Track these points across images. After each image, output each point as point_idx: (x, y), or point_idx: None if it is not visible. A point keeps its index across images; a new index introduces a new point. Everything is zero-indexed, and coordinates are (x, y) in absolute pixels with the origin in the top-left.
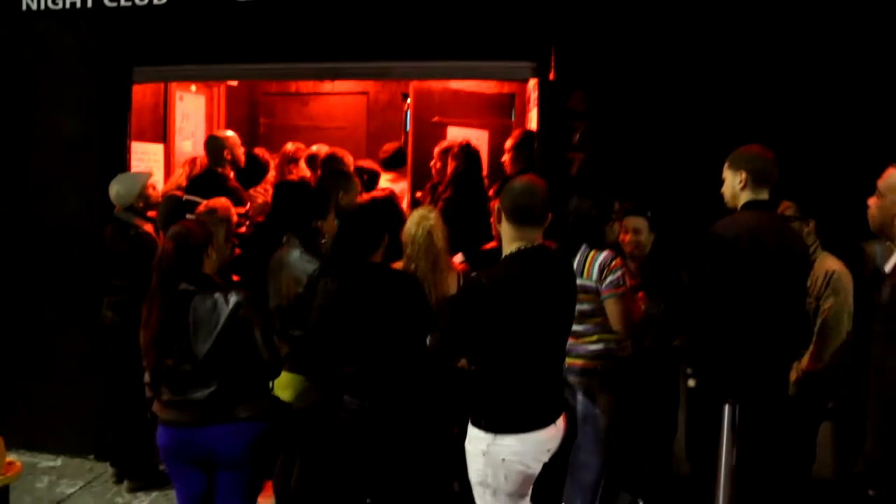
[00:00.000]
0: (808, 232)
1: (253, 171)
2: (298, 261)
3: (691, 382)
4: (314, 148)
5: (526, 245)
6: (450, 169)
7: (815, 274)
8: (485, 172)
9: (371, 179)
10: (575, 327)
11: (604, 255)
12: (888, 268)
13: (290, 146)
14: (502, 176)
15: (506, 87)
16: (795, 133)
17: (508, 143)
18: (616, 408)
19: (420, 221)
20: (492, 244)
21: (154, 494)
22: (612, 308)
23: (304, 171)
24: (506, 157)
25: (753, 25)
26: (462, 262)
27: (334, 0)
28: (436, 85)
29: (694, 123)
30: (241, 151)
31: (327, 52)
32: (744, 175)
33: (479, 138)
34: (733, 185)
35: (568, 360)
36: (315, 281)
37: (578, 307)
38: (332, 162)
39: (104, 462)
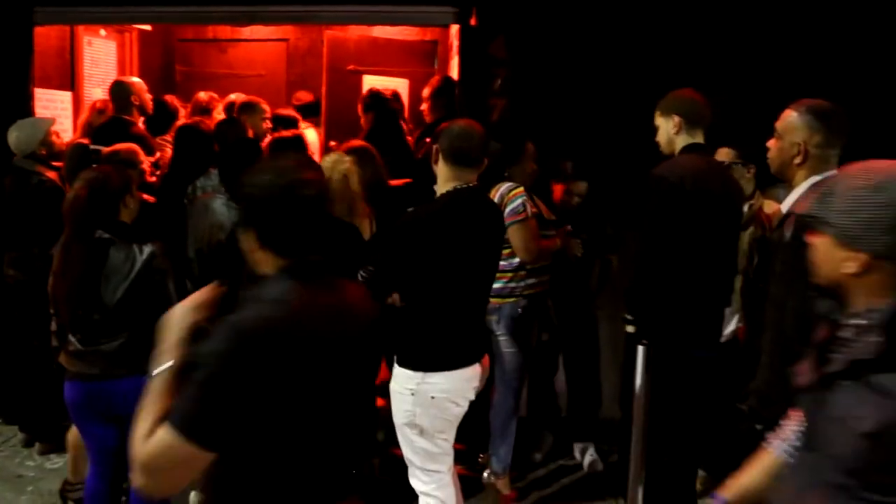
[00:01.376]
0: (748, 178)
1: (162, 119)
2: (222, 207)
3: (630, 328)
4: (232, 97)
5: (461, 185)
6: (363, 117)
7: (762, 214)
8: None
9: (290, 127)
10: None
11: (504, 185)
12: (785, 207)
13: (202, 95)
14: (423, 124)
15: (428, 35)
16: (729, 77)
17: (426, 91)
18: (524, 349)
19: (335, 165)
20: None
21: (67, 456)
22: (513, 235)
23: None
24: (424, 106)
25: None
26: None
27: None
28: (353, 33)
29: (616, 67)
30: (148, 98)
31: None
32: (677, 119)
33: (398, 87)
34: (667, 130)
35: None
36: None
37: None
38: (248, 109)
39: (12, 426)
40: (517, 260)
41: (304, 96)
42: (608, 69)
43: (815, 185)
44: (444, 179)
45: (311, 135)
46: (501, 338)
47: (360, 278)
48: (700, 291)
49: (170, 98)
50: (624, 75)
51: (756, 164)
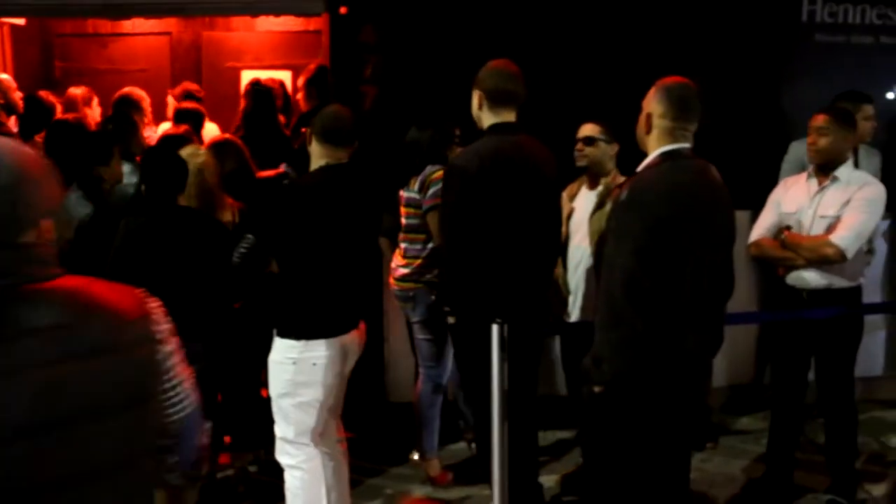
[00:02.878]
0: (611, 156)
1: (36, 117)
2: (72, 204)
3: (451, 319)
4: (75, 91)
5: (332, 162)
6: (241, 108)
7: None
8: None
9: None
10: (403, 244)
11: (428, 168)
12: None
13: (76, 90)
14: (299, 113)
15: (311, 25)
16: (598, 56)
17: (300, 81)
18: (439, 336)
19: (189, 159)
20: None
21: None
22: (431, 220)
23: (95, 116)
24: (299, 94)
25: None
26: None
27: None
28: (234, 27)
29: (484, 53)
30: (16, 95)
31: None
32: (479, 95)
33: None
34: (474, 106)
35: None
36: (85, 226)
37: (406, 221)
38: (125, 103)
39: None
40: (431, 245)
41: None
42: (476, 54)
43: (660, 154)
44: (317, 157)
45: (212, 129)
46: (416, 325)
47: (235, 259)
48: (513, 271)
49: (44, 94)
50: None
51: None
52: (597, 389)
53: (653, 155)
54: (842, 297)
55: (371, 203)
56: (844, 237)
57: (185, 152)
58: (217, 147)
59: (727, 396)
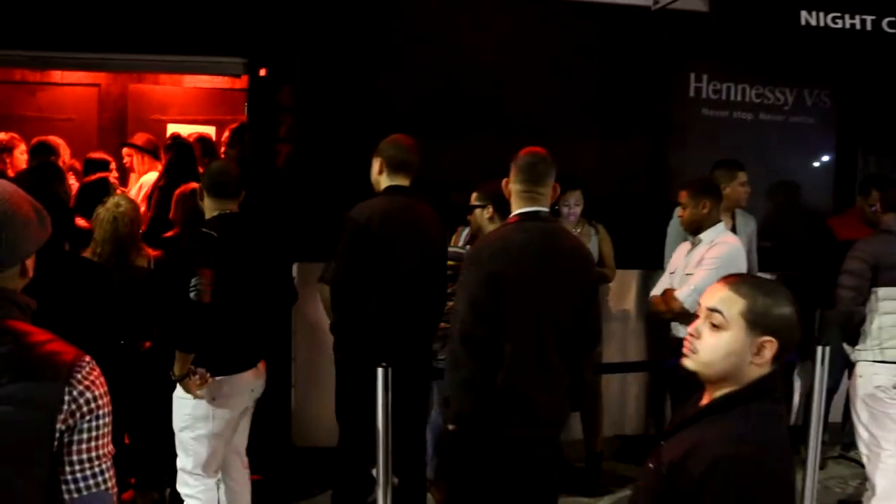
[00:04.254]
0: (488, 217)
1: None
2: None
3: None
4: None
5: (224, 212)
6: (163, 159)
7: None
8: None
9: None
10: None
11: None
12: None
13: (1, 135)
14: None
15: (237, 83)
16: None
17: (224, 137)
18: None
19: (110, 207)
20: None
21: None
22: None
23: (18, 162)
24: (222, 150)
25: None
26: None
27: None
28: (161, 81)
29: (396, 121)
30: None
31: (39, 41)
32: (380, 161)
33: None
34: (374, 171)
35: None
36: None
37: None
38: (40, 150)
39: None
40: None
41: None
42: (386, 119)
43: (515, 214)
44: (209, 210)
45: (151, 176)
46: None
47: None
48: (397, 318)
49: None
50: (403, 126)
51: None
52: (450, 427)
53: (511, 216)
54: None
55: (269, 249)
56: (684, 292)
57: (111, 200)
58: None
59: (619, 445)
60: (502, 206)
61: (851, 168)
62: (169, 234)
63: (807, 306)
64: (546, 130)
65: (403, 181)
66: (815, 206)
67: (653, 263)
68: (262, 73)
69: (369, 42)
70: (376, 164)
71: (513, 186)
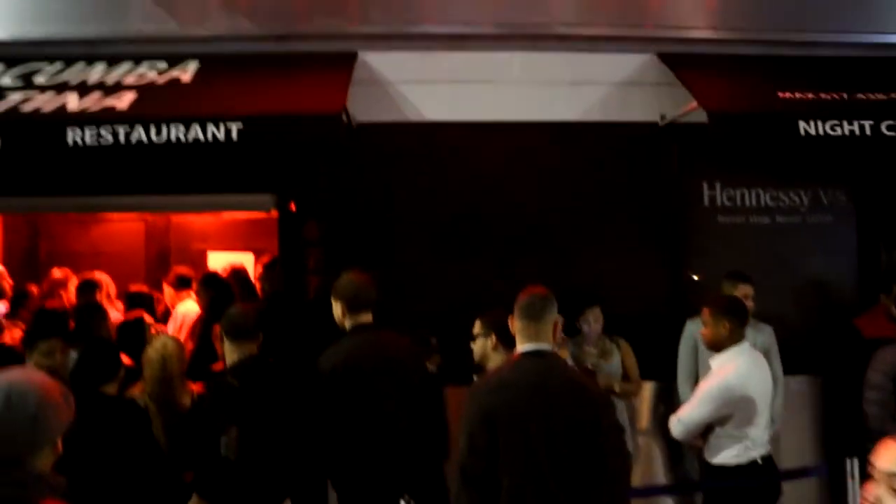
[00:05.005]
0: (492, 345)
1: (21, 302)
2: None
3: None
4: (56, 273)
5: (243, 356)
6: (197, 298)
7: None
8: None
9: (143, 302)
10: None
11: None
12: None
13: (57, 272)
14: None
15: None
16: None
17: (258, 271)
18: None
19: (159, 348)
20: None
21: None
22: None
23: (72, 296)
24: (257, 285)
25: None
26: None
27: (93, 148)
28: (203, 212)
29: (421, 248)
30: (6, 283)
31: (87, 187)
32: (340, 304)
33: (242, 261)
34: (337, 313)
35: None
36: None
37: None
38: (85, 288)
39: None
40: None
41: (182, 270)
42: (412, 246)
43: (519, 353)
44: (229, 353)
45: (192, 306)
46: None
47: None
48: (381, 451)
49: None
50: (423, 258)
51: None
52: None
53: (514, 354)
54: (734, 473)
55: (293, 396)
56: (672, 421)
57: (158, 341)
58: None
59: None
60: (505, 336)
61: (875, 264)
62: (217, 366)
63: (836, 410)
64: (565, 247)
65: (365, 318)
66: (841, 306)
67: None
68: (291, 208)
69: (390, 174)
70: (337, 307)
71: (515, 325)
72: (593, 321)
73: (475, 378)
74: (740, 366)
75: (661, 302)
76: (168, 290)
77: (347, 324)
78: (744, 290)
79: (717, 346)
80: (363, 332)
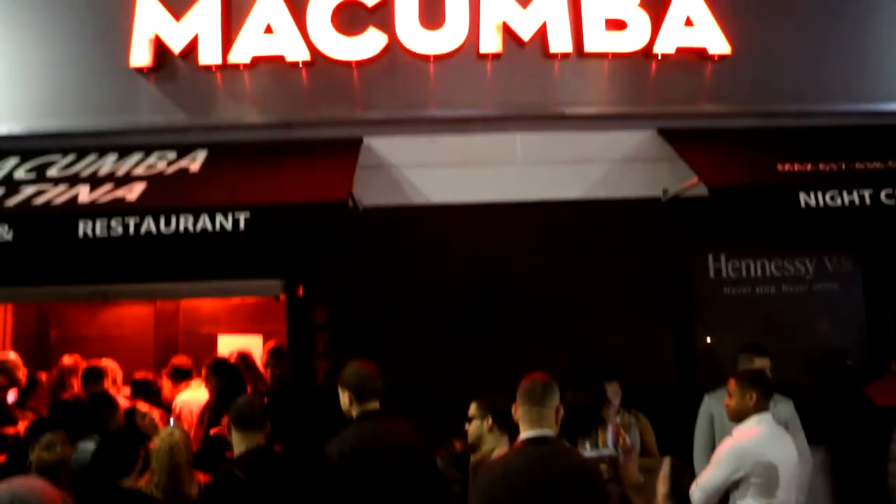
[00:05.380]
0: (488, 427)
1: (33, 392)
2: None
3: None
4: (66, 360)
5: (251, 446)
6: (206, 384)
7: None
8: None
9: (147, 391)
10: None
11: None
12: None
13: (67, 359)
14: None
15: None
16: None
17: (262, 357)
18: None
19: (165, 438)
20: None
21: None
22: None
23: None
24: (263, 370)
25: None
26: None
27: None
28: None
29: (429, 330)
30: (21, 373)
31: (97, 275)
32: (347, 394)
33: (251, 344)
34: (344, 402)
35: None
36: None
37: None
38: (91, 376)
39: None
40: None
41: (183, 360)
42: (420, 329)
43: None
44: (237, 443)
45: (190, 396)
46: None
47: None
48: None
49: (40, 374)
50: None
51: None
52: None
53: (518, 441)
54: None
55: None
56: (692, 489)
57: (164, 431)
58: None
59: None
60: (501, 418)
61: (884, 330)
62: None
63: (850, 480)
64: (573, 324)
65: (373, 405)
66: (851, 373)
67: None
68: (299, 292)
69: (397, 256)
70: (344, 396)
71: (518, 411)
72: (612, 395)
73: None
74: (759, 432)
75: (671, 375)
76: (166, 384)
77: (355, 412)
78: (761, 363)
79: (740, 417)
80: (371, 419)
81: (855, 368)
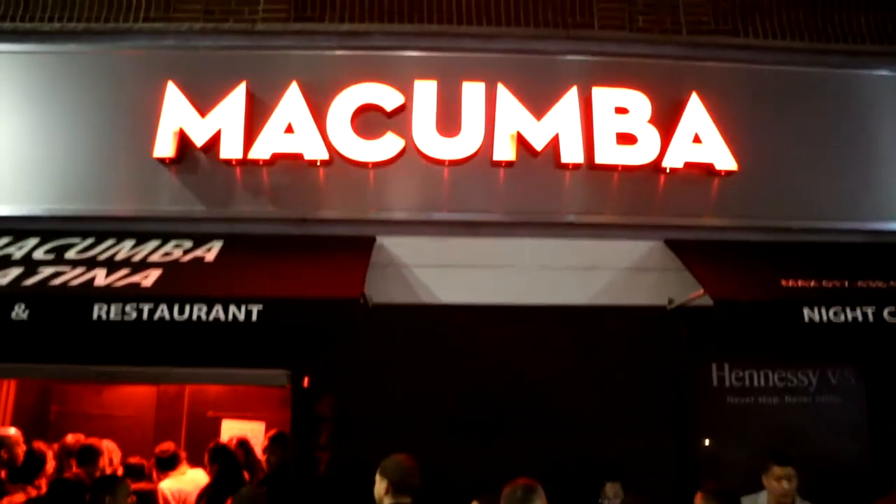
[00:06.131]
0: None
1: (29, 466)
2: None
3: None
4: (69, 439)
5: None
6: (207, 467)
7: None
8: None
9: (138, 474)
10: None
11: None
12: None
13: (70, 438)
14: (260, 471)
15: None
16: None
17: (263, 444)
18: None
19: None
20: None
21: None
22: None
23: (106, 466)
24: (262, 457)
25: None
26: None
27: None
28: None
29: (432, 428)
30: (20, 450)
31: (104, 355)
32: (386, 483)
33: (253, 430)
34: (380, 490)
35: None
36: None
37: None
38: (86, 455)
39: None
40: None
41: (166, 448)
42: (423, 426)
43: None
44: None
45: (201, 476)
46: None
47: None
48: None
49: (38, 444)
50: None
51: None
52: None
53: None
54: None
55: None
56: None
57: None
58: None
59: None
60: None
61: (888, 444)
62: None
63: None
64: (577, 429)
65: (406, 500)
66: (855, 486)
67: None
68: (305, 383)
69: (404, 353)
70: (382, 485)
71: None
72: (612, 496)
73: None
74: None
75: (673, 482)
76: (154, 474)
77: (387, 501)
78: (777, 472)
79: None
80: None
81: (859, 481)
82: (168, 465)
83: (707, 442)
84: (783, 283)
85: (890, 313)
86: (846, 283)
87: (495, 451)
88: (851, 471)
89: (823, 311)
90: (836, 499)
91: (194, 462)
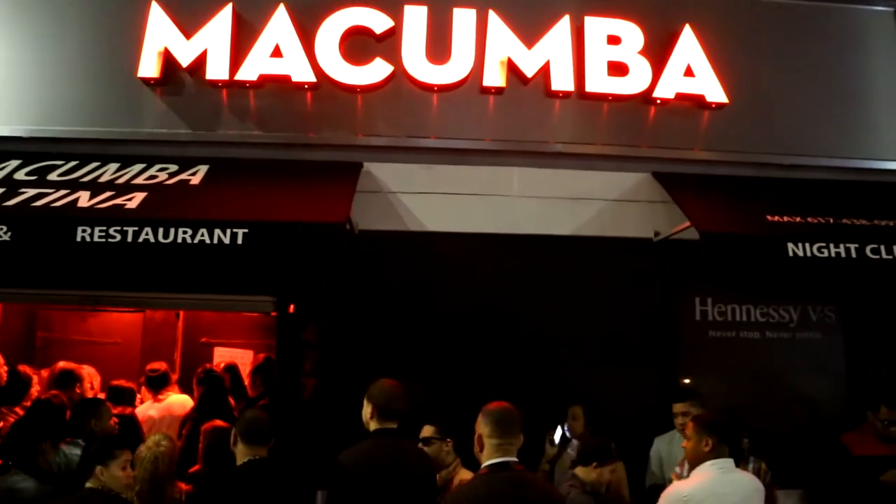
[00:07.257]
0: (447, 450)
1: (14, 388)
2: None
3: None
4: (60, 364)
5: (253, 458)
6: (195, 390)
7: (453, 484)
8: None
9: (128, 397)
10: None
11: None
12: None
13: (61, 364)
14: (246, 397)
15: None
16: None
17: (248, 369)
18: None
19: (152, 446)
20: None
21: None
22: None
23: (87, 391)
24: (247, 382)
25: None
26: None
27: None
28: None
29: (416, 356)
30: (2, 370)
31: (90, 281)
32: (371, 407)
33: (243, 356)
34: (365, 414)
35: None
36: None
37: None
38: (63, 379)
39: None
40: None
41: (156, 367)
42: (408, 354)
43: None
44: (241, 455)
45: (187, 401)
46: None
47: None
48: None
49: (23, 368)
50: (418, 361)
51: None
52: None
53: (482, 467)
54: None
55: (294, 491)
56: None
57: (152, 438)
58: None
59: None
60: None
61: (863, 382)
62: (193, 469)
63: None
64: (559, 357)
65: (391, 425)
66: (829, 421)
67: None
68: (291, 310)
69: (390, 280)
70: (367, 408)
71: (487, 440)
72: (571, 419)
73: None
74: (706, 477)
75: (653, 414)
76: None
77: (373, 426)
78: (679, 408)
79: (695, 462)
80: (387, 436)
81: (833, 417)
82: (158, 383)
83: (687, 381)
84: (769, 218)
85: (872, 250)
86: (831, 220)
87: (478, 379)
88: (826, 405)
89: (808, 247)
90: (810, 431)
91: (186, 388)
